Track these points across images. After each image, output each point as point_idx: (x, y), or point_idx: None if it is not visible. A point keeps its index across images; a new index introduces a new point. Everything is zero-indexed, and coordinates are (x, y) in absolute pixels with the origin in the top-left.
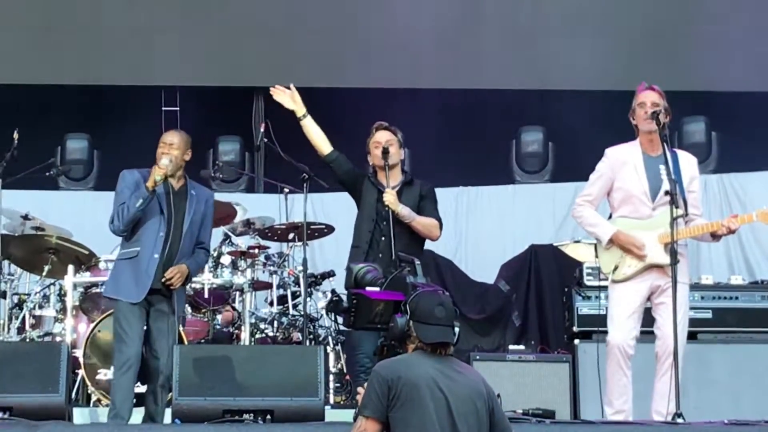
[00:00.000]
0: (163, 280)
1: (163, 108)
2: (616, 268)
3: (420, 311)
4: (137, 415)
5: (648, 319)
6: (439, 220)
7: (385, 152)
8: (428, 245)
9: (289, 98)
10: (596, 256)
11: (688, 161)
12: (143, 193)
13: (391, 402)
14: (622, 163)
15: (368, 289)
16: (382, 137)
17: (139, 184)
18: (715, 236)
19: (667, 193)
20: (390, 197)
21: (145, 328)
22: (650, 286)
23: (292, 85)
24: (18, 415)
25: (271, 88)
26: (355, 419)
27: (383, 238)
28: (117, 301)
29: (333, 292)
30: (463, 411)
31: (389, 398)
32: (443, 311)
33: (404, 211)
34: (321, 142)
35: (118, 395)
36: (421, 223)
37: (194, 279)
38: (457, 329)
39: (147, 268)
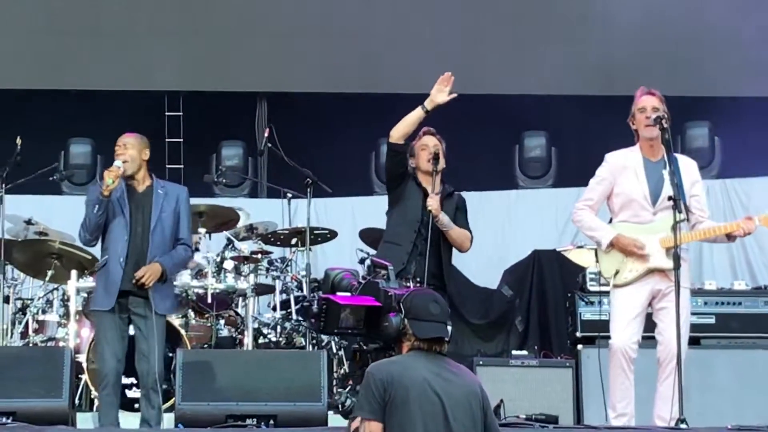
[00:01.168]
0: (133, 280)
1: (166, 113)
2: (617, 273)
3: (415, 308)
4: (136, 419)
5: (648, 324)
6: (471, 232)
7: (436, 158)
8: None
9: (443, 94)
10: (596, 261)
11: (688, 165)
12: (97, 199)
13: (386, 404)
14: (623, 168)
15: (338, 294)
16: (430, 142)
17: (98, 192)
18: (730, 237)
19: (670, 198)
20: (434, 203)
21: (131, 333)
22: (651, 290)
23: (453, 95)
24: (21, 420)
25: (448, 73)
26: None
27: (423, 241)
28: (95, 313)
29: (303, 297)
30: (458, 413)
31: (385, 400)
32: (438, 308)
33: (444, 219)
34: (408, 133)
35: (101, 410)
36: (457, 233)
37: (196, 284)
38: (449, 328)
39: (115, 273)
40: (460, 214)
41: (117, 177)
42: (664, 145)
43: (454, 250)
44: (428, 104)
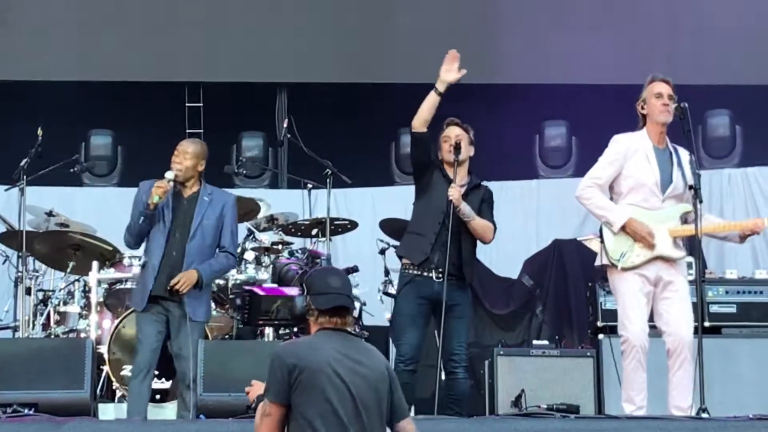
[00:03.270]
0: (168, 287)
1: (187, 104)
2: (622, 256)
3: (316, 284)
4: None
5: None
6: (495, 225)
7: (457, 148)
8: None
9: (453, 72)
10: (601, 241)
11: (687, 158)
12: (143, 211)
13: (292, 387)
14: (634, 151)
15: (263, 285)
16: (452, 132)
17: (146, 195)
18: (742, 237)
19: (691, 187)
20: (455, 192)
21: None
22: (653, 278)
23: (463, 72)
24: (43, 411)
25: (453, 51)
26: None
27: (446, 232)
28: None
29: (232, 290)
30: (364, 398)
31: (290, 383)
32: (338, 281)
33: (465, 209)
34: (427, 119)
35: (130, 399)
36: (480, 224)
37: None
38: (357, 304)
39: (149, 276)
40: (485, 206)
41: (165, 192)
42: (684, 136)
43: (479, 243)
44: (439, 86)
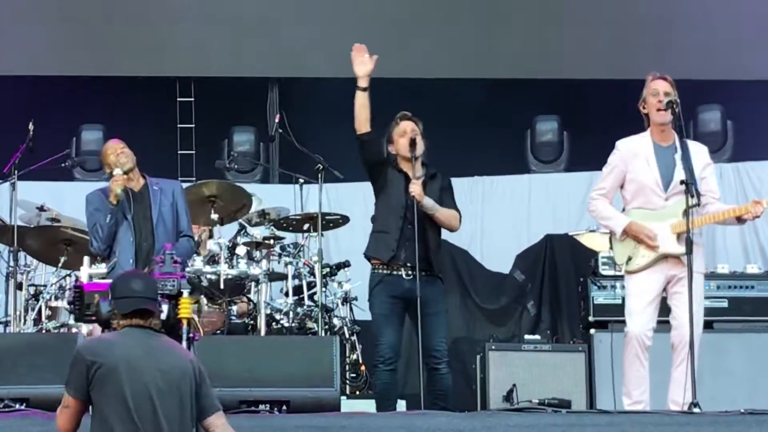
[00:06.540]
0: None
1: (178, 99)
2: (629, 260)
3: (118, 289)
4: None
5: (663, 309)
6: (459, 211)
7: (413, 143)
8: (444, 235)
9: (365, 64)
10: (611, 248)
11: (698, 150)
12: (109, 209)
13: (89, 382)
14: (634, 155)
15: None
16: (407, 127)
17: (104, 201)
18: (740, 219)
19: (682, 182)
20: (416, 188)
21: None
22: (666, 276)
23: (375, 57)
24: (34, 406)
25: (357, 45)
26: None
27: (409, 226)
28: None
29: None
30: (163, 397)
31: (88, 379)
32: (140, 284)
33: (428, 203)
34: (365, 118)
35: None
36: (444, 214)
37: (209, 270)
38: (165, 306)
39: None
40: (445, 195)
41: (123, 185)
42: (675, 131)
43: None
44: (360, 82)
